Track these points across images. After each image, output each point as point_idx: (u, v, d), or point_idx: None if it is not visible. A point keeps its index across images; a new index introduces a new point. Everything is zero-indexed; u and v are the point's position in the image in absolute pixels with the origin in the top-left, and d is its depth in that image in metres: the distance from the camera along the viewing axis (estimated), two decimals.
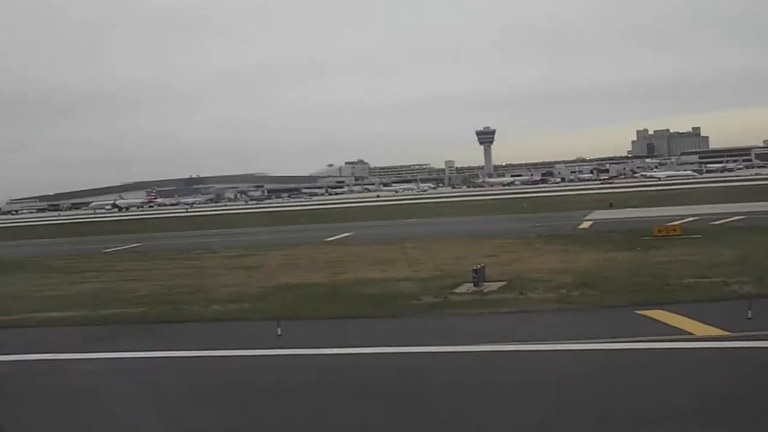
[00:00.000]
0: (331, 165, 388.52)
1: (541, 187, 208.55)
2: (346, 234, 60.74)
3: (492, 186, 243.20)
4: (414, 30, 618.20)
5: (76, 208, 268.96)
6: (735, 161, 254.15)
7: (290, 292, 29.36)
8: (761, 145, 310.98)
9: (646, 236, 42.44)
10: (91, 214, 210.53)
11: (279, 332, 20.61)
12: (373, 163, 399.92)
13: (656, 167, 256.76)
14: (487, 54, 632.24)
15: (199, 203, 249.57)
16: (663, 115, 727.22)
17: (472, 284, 27.58)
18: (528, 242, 44.62)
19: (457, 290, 27.29)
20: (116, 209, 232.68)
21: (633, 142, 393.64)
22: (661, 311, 21.03)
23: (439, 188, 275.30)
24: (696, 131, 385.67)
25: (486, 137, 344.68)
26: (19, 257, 56.45)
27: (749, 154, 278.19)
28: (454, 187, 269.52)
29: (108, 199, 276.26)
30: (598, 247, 39.69)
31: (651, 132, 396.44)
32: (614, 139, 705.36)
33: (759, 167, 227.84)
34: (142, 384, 17.04)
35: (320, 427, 13.68)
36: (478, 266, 28.42)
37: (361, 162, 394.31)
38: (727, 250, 34.36)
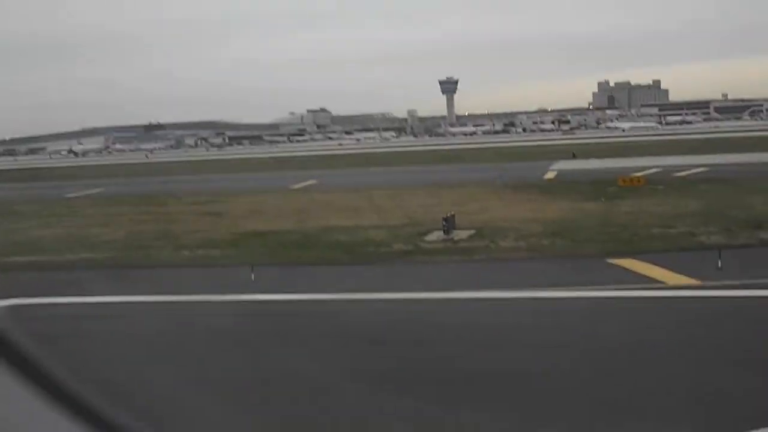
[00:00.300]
0: (292, 113, 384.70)
1: (503, 137, 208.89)
2: (311, 182, 60.47)
3: (454, 135, 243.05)
4: None
5: (33, 153, 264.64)
6: (694, 114, 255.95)
7: (260, 239, 29.31)
8: (720, 98, 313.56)
9: (610, 186, 42.72)
10: (47, 159, 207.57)
11: (252, 277, 20.63)
12: (335, 112, 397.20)
13: (617, 118, 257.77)
14: (451, 3, 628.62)
15: (159, 150, 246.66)
16: (624, 68, 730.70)
17: (441, 232, 27.74)
18: (494, 192, 44.79)
19: (427, 238, 27.45)
20: (73, 155, 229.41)
21: (594, 93, 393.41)
22: (632, 260, 21.32)
23: (402, 137, 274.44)
24: (656, 84, 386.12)
25: (449, 87, 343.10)
26: None
27: (708, 108, 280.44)
28: (416, 137, 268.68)
29: (66, 145, 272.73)
30: (565, 197, 40.00)
31: (612, 84, 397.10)
32: (576, 91, 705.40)
33: (717, 120, 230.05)
34: (118, 329, 17.00)
35: (292, 372, 13.71)
36: (448, 215, 28.60)
37: (323, 110, 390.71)
38: (691, 201, 34.88)
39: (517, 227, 28.73)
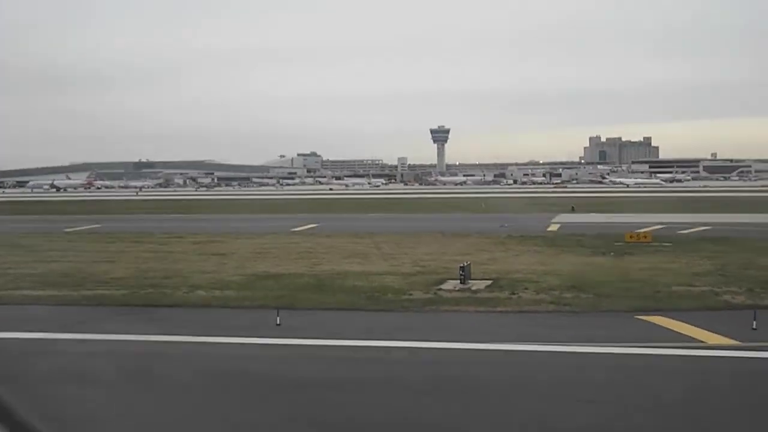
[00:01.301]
0: (283, 156, 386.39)
1: (495, 188, 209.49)
2: (311, 225, 60.12)
3: (444, 185, 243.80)
4: (375, 24, 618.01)
5: (21, 186, 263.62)
6: (683, 172, 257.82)
7: (274, 281, 28.93)
8: (709, 157, 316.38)
9: (617, 242, 42.56)
10: (29, 193, 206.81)
11: (278, 321, 20.24)
12: (326, 156, 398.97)
13: (608, 174, 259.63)
14: (445, 54, 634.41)
15: (148, 187, 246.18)
16: (615, 123, 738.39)
17: (458, 281, 27.43)
18: (500, 242, 44.48)
19: (443, 287, 27.07)
20: (54, 189, 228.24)
21: (585, 148, 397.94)
22: (661, 317, 21.01)
23: (391, 184, 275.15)
24: (647, 141, 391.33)
25: (440, 136, 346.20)
26: None
27: (698, 166, 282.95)
28: (406, 184, 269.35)
29: (57, 178, 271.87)
30: (573, 250, 39.79)
31: (603, 139, 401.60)
32: (567, 143, 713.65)
33: (706, 179, 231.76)
34: (141, 368, 16.62)
35: (317, 418, 13.32)
36: (465, 263, 28.32)
37: (314, 154, 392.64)
38: (703, 260, 34.61)
39: (533, 279, 28.43)
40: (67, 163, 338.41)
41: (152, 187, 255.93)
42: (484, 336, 18.95)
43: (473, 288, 26.51)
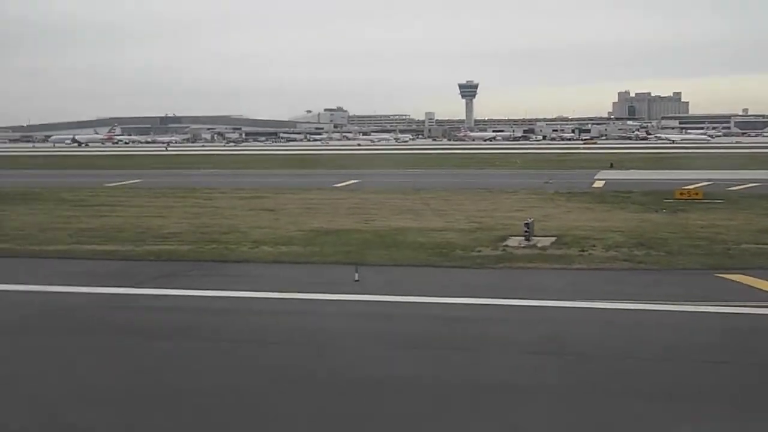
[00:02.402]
0: (309, 111, 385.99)
1: (524, 143, 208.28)
2: (352, 181, 59.96)
3: (473, 140, 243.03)
4: None
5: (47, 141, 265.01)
6: (714, 128, 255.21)
7: (335, 237, 28.66)
8: (740, 113, 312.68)
9: (667, 198, 42.05)
10: (51, 148, 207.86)
11: (356, 277, 20.06)
12: (352, 111, 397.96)
13: (638, 129, 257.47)
14: (473, 7, 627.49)
15: (175, 142, 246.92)
16: (644, 77, 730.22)
17: (522, 238, 27.11)
18: (548, 198, 44.11)
19: (508, 243, 26.73)
20: (76, 144, 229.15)
21: (614, 103, 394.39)
22: (742, 275, 20.62)
23: (419, 139, 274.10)
24: (677, 96, 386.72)
25: (468, 91, 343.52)
26: (22, 188, 55.16)
27: (728, 122, 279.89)
28: (434, 140, 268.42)
29: (83, 132, 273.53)
30: (624, 206, 39.36)
31: (633, 94, 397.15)
32: (595, 99, 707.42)
33: (737, 135, 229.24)
34: (242, 323, 16.81)
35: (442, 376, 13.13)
36: (529, 220, 28.01)
37: (340, 109, 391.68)
38: (760, 217, 34.08)
39: (595, 236, 28.00)
40: (94, 118, 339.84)
41: (180, 142, 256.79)
42: (573, 294, 18.60)
43: (539, 245, 26.16)
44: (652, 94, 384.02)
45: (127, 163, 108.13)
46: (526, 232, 27.15)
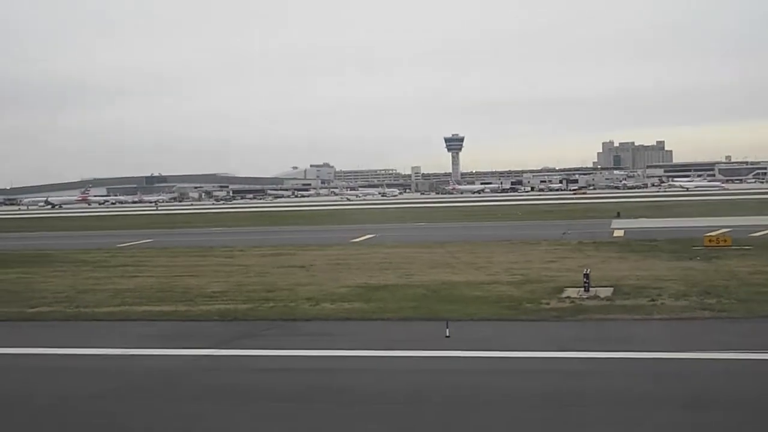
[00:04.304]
0: (295, 167, 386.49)
1: (514, 195, 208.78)
2: (369, 235, 59.51)
3: (462, 193, 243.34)
4: (386, 33, 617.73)
5: (10, 204, 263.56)
6: (700, 176, 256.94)
7: (388, 293, 28.16)
8: (723, 160, 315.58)
9: (695, 246, 41.82)
10: (25, 210, 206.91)
11: (447, 333, 19.57)
12: (339, 167, 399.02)
13: (625, 179, 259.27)
14: (455, 62, 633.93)
15: (163, 202, 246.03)
16: (627, 127, 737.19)
17: (581, 289, 26.71)
18: (575, 249, 43.78)
19: (569, 294, 26.30)
20: (49, 206, 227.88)
21: (599, 153, 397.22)
22: None
23: (406, 194, 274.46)
24: (660, 144, 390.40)
25: (454, 144, 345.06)
26: (31, 251, 54.50)
27: (713, 169, 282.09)
28: (422, 193, 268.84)
29: (71, 195, 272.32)
30: (656, 255, 39.03)
31: (616, 144, 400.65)
32: (580, 149, 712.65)
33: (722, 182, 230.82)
34: (346, 384, 16.26)
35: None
36: (587, 271, 27.64)
37: (326, 165, 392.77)
38: None
39: (651, 285, 27.68)
40: (77, 179, 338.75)
41: (167, 201, 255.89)
42: (679, 344, 18.19)
43: (602, 296, 25.78)
44: (636, 143, 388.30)
45: (122, 224, 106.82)
46: (585, 282, 26.75)
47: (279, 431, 13.48)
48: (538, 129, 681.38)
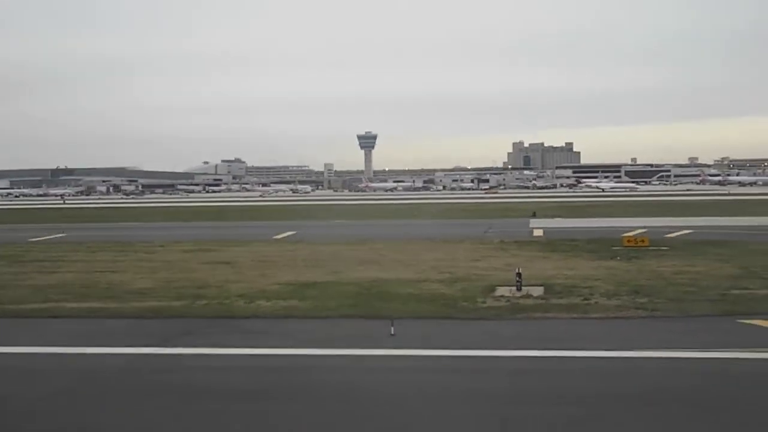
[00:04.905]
0: (206, 162, 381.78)
1: (428, 194, 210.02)
2: (290, 232, 59.11)
3: (375, 191, 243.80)
4: (300, 29, 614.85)
5: None
6: (606, 176, 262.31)
7: (320, 290, 27.97)
8: (629, 162, 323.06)
9: (614, 246, 42.67)
10: None
11: (392, 332, 19.51)
12: (250, 162, 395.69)
13: (535, 179, 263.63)
14: (370, 59, 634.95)
15: (69, 195, 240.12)
16: (537, 129, 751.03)
17: (513, 288, 26.97)
18: (499, 248, 44.19)
19: (503, 293, 26.53)
20: None
21: (509, 153, 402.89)
22: (762, 320, 20.89)
23: (318, 191, 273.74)
24: (569, 146, 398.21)
25: (367, 141, 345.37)
26: None
27: (619, 171, 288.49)
28: (335, 191, 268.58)
29: None
30: (579, 254, 39.66)
31: (526, 144, 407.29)
32: (490, 149, 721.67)
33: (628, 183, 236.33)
34: (297, 382, 16.12)
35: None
36: (518, 270, 27.90)
37: (238, 160, 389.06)
38: (719, 263, 34.73)
39: (579, 285, 28.19)
40: None
41: (74, 195, 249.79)
42: (620, 343, 18.51)
43: (534, 294, 26.09)
44: (545, 145, 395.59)
45: (30, 217, 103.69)
46: (518, 281, 27.04)
47: (231, 430, 13.21)
48: (450, 129, 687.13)
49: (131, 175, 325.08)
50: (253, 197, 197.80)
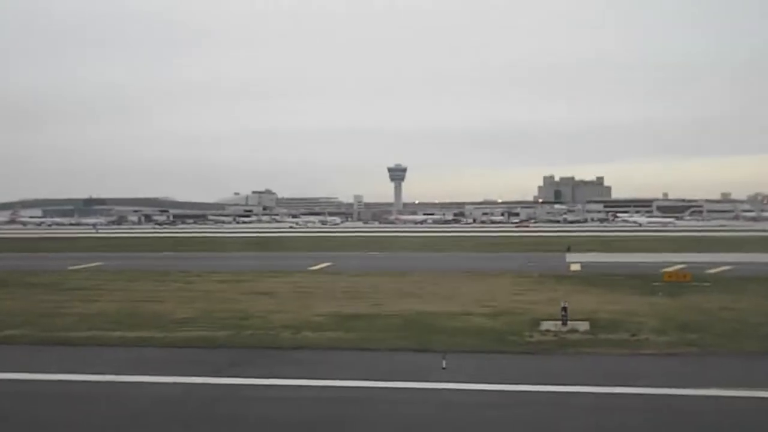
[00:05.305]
0: (237, 193, 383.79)
1: (458, 227, 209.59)
2: (326, 263, 59.14)
3: (405, 223, 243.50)
4: (329, 61, 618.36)
5: None
6: (638, 212, 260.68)
7: (365, 322, 27.95)
8: (660, 197, 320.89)
9: (655, 281, 42.25)
10: None
11: (444, 365, 19.39)
12: (280, 194, 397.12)
13: (566, 213, 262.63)
14: (401, 90, 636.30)
15: (102, 225, 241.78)
16: (567, 164, 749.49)
17: (559, 322, 26.76)
18: (537, 282, 44.01)
19: (549, 327, 26.34)
20: None
21: (539, 187, 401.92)
22: None
23: (348, 222, 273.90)
24: (600, 180, 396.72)
25: (397, 174, 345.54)
26: None
27: (651, 205, 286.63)
28: (365, 223, 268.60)
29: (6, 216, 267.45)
30: (617, 289, 39.35)
31: (557, 178, 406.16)
32: (520, 183, 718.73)
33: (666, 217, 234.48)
34: (353, 414, 15.99)
35: None
36: (564, 304, 27.68)
37: (268, 191, 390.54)
38: (765, 300, 34.31)
39: (625, 320, 27.94)
40: (16, 199, 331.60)
41: (106, 225, 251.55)
42: (676, 380, 18.29)
43: (580, 329, 25.88)
44: (576, 179, 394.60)
45: (64, 246, 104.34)
46: (563, 316, 26.84)
47: None
48: (479, 161, 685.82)
49: (163, 205, 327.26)
50: (284, 228, 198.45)
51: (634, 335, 24.60)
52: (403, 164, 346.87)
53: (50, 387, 18.79)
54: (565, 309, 27.05)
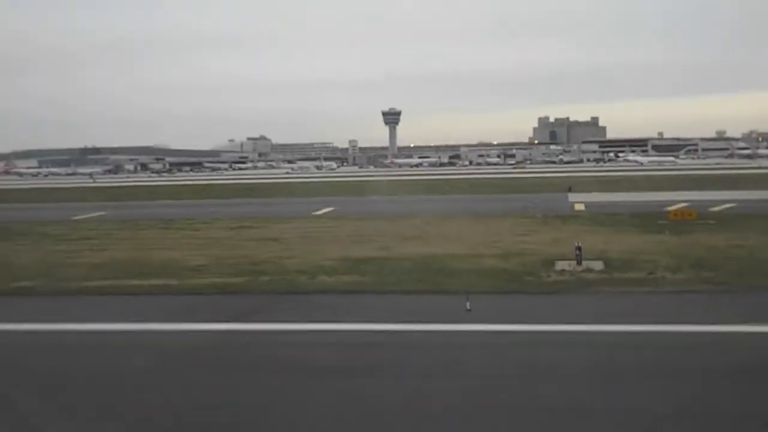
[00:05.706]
0: (232, 140, 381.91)
1: (454, 169, 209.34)
2: (328, 208, 59.14)
3: (400, 167, 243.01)
4: (320, 7, 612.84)
5: None
6: (633, 151, 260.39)
7: (376, 265, 27.94)
8: (656, 136, 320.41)
9: (661, 220, 42.31)
10: None
11: (468, 307, 19.47)
12: (275, 140, 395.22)
13: (562, 153, 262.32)
14: (393, 36, 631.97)
15: (98, 174, 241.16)
16: (562, 104, 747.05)
17: (574, 262, 26.84)
18: (543, 222, 44.06)
19: (564, 267, 26.40)
20: None
21: (534, 128, 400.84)
22: None
23: (343, 167, 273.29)
24: (594, 121, 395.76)
25: (392, 118, 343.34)
26: None
27: (646, 145, 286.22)
28: (360, 167, 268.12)
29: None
30: (624, 229, 39.43)
31: (552, 119, 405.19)
32: (515, 124, 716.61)
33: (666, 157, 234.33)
34: (382, 358, 16.13)
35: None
36: (578, 244, 27.70)
37: (263, 138, 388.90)
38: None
39: (638, 259, 27.91)
40: (8, 150, 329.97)
41: (102, 174, 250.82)
42: (700, 317, 18.43)
43: (596, 269, 25.97)
44: (571, 119, 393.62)
45: (64, 196, 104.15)
46: (577, 255, 26.90)
47: (323, 405, 13.24)
48: (474, 104, 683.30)
49: (158, 153, 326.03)
50: (280, 174, 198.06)
51: (651, 273, 24.70)
52: (398, 108, 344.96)
53: (76, 337, 18.80)
54: (579, 248, 27.07)
